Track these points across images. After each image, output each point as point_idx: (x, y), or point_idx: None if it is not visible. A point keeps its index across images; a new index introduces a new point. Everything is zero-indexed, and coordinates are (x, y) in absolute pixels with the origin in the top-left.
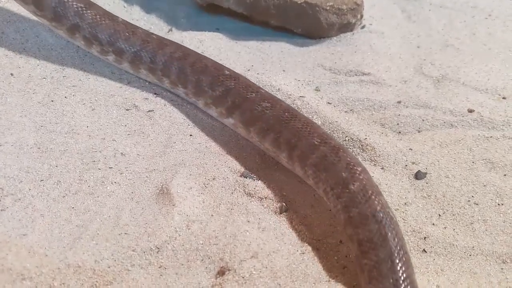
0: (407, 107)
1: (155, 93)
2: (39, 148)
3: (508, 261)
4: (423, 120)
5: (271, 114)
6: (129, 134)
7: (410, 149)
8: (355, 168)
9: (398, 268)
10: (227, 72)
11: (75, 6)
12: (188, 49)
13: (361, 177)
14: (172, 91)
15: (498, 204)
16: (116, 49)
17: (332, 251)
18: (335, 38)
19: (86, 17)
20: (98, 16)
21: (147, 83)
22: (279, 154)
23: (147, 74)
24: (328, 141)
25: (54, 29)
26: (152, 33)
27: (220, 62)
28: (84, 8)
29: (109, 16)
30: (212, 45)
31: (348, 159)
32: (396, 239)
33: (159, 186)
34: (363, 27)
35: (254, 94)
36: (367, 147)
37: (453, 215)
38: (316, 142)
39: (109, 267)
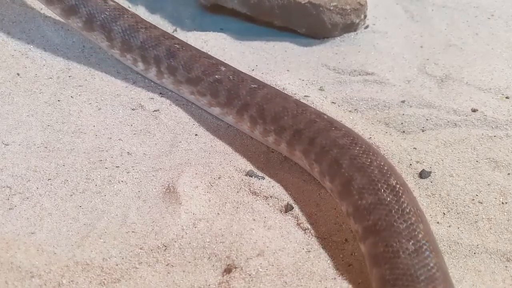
0: (411, 106)
1: (160, 93)
2: (46, 147)
3: None
4: (427, 119)
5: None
6: (135, 134)
7: (414, 148)
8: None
9: None
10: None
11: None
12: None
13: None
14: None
15: (502, 203)
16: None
17: (337, 249)
18: (338, 38)
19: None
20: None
21: (152, 83)
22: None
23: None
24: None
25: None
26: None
27: (224, 62)
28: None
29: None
30: (216, 45)
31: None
32: None
33: (166, 185)
34: (366, 27)
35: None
36: None
37: (458, 213)
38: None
39: (117, 265)
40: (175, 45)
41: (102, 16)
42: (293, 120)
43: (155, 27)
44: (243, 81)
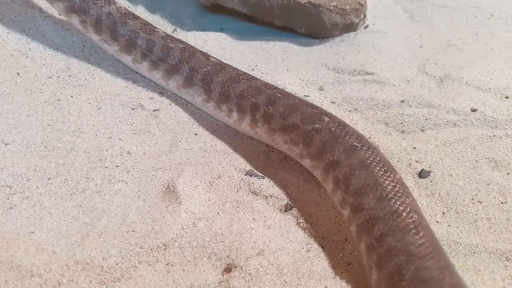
0: (410, 106)
1: (160, 93)
2: (46, 146)
3: (511, 258)
4: (426, 119)
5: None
6: (135, 133)
7: (414, 148)
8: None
9: None
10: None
11: None
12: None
13: None
14: None
15: (502, 202)
16: None
17: (337, 248)
18: (338, 38)
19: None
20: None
21: (152, 82)
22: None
23: None
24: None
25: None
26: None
27: (224, 61)
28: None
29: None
30: (216, 45)
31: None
32: None
33: (166, 184)
34: (366, 27)
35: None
36: None
37: (457, 213)
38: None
39: (117, 264)
40: (277, 94)
41: (204, 70)
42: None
43: (257, 79)
44: (345, 136)
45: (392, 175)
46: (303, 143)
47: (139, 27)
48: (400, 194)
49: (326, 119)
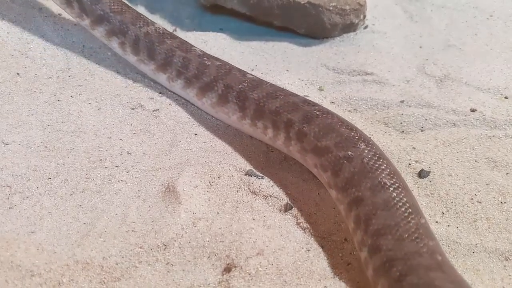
0: (410, 106)
1: (160, 93)
2: (46, 146)
3: (510, 258)
4: (426, 119)
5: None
6: (135, 133)
7: (413, 148)
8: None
9: None
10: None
11: None
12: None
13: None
14: None
15: (501, 202)
16: None
17: (336, 248)
18: (338, 38)
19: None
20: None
21: (152, 82)
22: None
23: None
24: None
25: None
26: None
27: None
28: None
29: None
30: (216, 45)
31: None
32: None
33: (165, 184)
34: (366, 27)
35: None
36: None
37: (456, 213)
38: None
39: (117, 264)
40: (315, 111)
41: (239, 87)
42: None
43: (296, 95)
44: (376, 170)
45: (417, 218)
46: (332, 170)
47: (176, 46)
48: (423, 237)
49: (362, 146)
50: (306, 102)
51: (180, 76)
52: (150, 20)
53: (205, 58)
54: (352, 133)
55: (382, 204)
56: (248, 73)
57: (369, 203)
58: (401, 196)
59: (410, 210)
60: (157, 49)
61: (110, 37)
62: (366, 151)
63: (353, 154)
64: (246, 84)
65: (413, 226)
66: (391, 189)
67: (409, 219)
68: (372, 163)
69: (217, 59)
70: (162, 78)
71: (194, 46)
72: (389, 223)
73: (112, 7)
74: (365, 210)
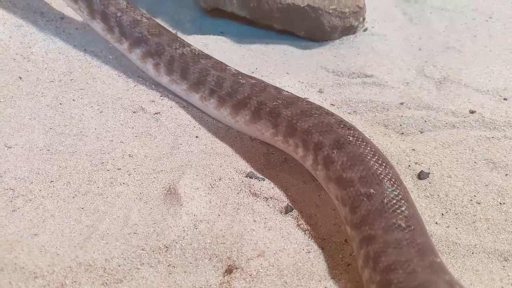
0: (409, 108)
1: (161, 96)
2: (48, 150)
3: (510, 258)
4: (425, 121)
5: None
6: (136, 136)
7: (413, 149)
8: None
9: None
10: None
11: None
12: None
13: None
14: None
15: (500, 203)
16: None
17: (337, 249)
18: (337, 40)
19: None
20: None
21: (153, 85)
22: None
23: None
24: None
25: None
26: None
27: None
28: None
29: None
30: (216, 48)
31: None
32: None
33: (167, 187)
34: (365, 30)
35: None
36: None
37: (456, 214)
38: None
39: (119, 266)
40: (348, 137)
41: (274, 104)
42: None
43: (333, 114)
44: (394, 212)
45: (430, 258)
46: (350, 206)
47: (211, 65)
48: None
49: (387, 184)
50: (342, 123)
51: (213, 95)
52: (187, 42)
53: (240, 77)
54: (381, 169)
55: (394, 243)
56: (284, 90)
57: (381, 241)
58: (414, 238)
59: (424, 250)
60: (191, 68)
61: (145, 59)
62: (388, 190)
63: (375, 192)
64: (280, 101)
65: (425, 265)
66: (405, 231)
67: (421, 257)
68: (391, 205)
69: (252, 77)
70: (194, 97)
71: (229, 66)
72: (400, 259)
73: (150, 30)
74: (375, 248)
